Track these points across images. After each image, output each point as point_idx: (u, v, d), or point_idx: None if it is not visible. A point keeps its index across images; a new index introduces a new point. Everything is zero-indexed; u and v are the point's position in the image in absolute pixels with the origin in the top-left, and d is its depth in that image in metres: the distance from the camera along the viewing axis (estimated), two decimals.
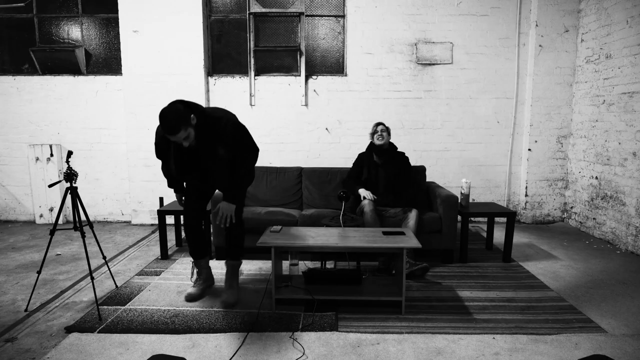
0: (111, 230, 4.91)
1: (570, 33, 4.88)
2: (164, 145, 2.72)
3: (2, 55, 5.20)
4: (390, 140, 3.81)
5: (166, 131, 2.37)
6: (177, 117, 2.36)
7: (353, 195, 3.64)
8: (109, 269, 3.16)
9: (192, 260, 3.00)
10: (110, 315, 2.65)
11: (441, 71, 5.02)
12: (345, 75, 5.07)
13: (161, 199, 4.11)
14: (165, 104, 4.90)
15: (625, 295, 3.01)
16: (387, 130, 3.73)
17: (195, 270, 3.04)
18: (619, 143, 4.19)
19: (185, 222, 2.90)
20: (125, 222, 5.29)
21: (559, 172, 5.12)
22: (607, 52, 4.37)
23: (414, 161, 4.96)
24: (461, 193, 3.91)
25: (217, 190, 3.32)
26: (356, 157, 3.93)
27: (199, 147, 2.60)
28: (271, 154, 5.14)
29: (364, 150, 3.94)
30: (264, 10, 4.90)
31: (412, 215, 3.42)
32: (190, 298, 2.89)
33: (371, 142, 3.79)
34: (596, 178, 4.55)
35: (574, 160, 4.97)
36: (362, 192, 3.58)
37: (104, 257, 3.01)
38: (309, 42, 5.10)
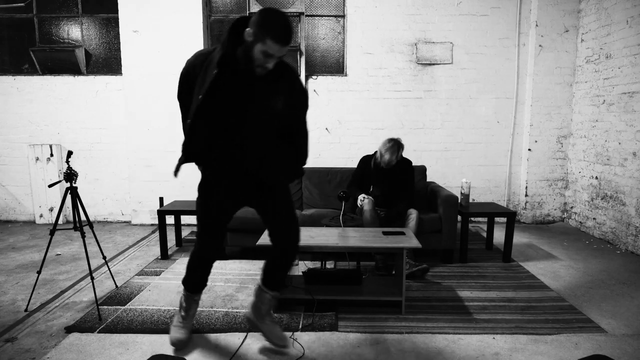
0: (111, 230, 4.91)
1: (570, 33, 4.88)
2: (194, 77, 1.92)
3: (2, 55, 5.20)
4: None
5: (286, 34, 1.75)
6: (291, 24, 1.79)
7: (353, 198, 3.62)
8: (109, 269, 3.16)
9: (186, 293, 2.32)
10: (110, 315, 2.65)
11: (441, 71, 5.02)
12: (345, 75, 5.07)
13: (161, 199, 4.11)
14: (165, 103, 4.97)
15: (625, 295, 3.00)
16: (398, 153, 3.51)
17: (183, 307, 2.33)
18: (619, 143, 4.19)
19: (202, 255, 2.23)
20: (125, 222, 5.29)
21: (559, 172, 5.12)
22: (607, 52, 4.37)
23: (414, 161, 4.95)
24: (461, 193, 3.91)
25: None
26: (360, 158, 3.83)
27: (254, 89, 1.89)
28: None
29: (363, 148, 3.89)
30: None
31: (413, 216, 3.42)
32: (180, 344, 2.25)
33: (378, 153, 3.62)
34: (596, 178, 4.55)
35: (574, 160, 4.97)
36: (360, 197, 3.53)
37: (104, 257, 3.00)
38: (309, 42, 5.10)
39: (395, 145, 3.50)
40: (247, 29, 1.78)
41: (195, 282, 2.32)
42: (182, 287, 2.36)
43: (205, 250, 2.22)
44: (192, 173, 5.24)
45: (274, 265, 2.25)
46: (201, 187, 2.13)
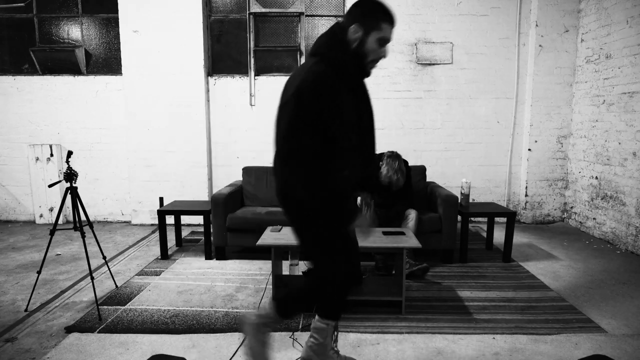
0: (111, 230, 4.91)
1: (570, 33, 4.88)
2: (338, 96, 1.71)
3: (2, 55, 5.19)
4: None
5: (392, 14, 1.70)
6: None
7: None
8: (109, 269, 3.16)
9: (333, 323, 1.96)
10: (110, 315, 2.65)
11: (441, 71, 5.02)
12: None
13: (161, 199, 4.11)
14: (165, 103, 4.96)
15: (625, 295, 3.01)
16: (402, 172, 3.39)
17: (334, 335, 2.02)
18: (619, 143, 4.19)
19: (351, 281, 1.84)
20: (125, 222, 5.29)
21: (559, 172, 5.12)
22: (607, 52, 4.37)
23: (414, 161, 4.96)
24: (461, 193, 3.91)
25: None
26: None
27: (365, 91, 1.86)
28: (271, 155, 5.14)
29: None
30: (264, 10, 4.90)
31: (412, 216, 3.42)
32: None
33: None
34: (596, 178, 4.55)
35: (574, 160, 4.97)
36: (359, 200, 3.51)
37: (104, 257, 3.00)
38: (309, 42, 5.09)
39: (396, 169, 3.37)
40: (351, 27, 1.67)
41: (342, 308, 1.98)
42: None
43: (354, 273, 1.84)
44: (192, 172, 5.23)
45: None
46: (333, 211, 1.76)
